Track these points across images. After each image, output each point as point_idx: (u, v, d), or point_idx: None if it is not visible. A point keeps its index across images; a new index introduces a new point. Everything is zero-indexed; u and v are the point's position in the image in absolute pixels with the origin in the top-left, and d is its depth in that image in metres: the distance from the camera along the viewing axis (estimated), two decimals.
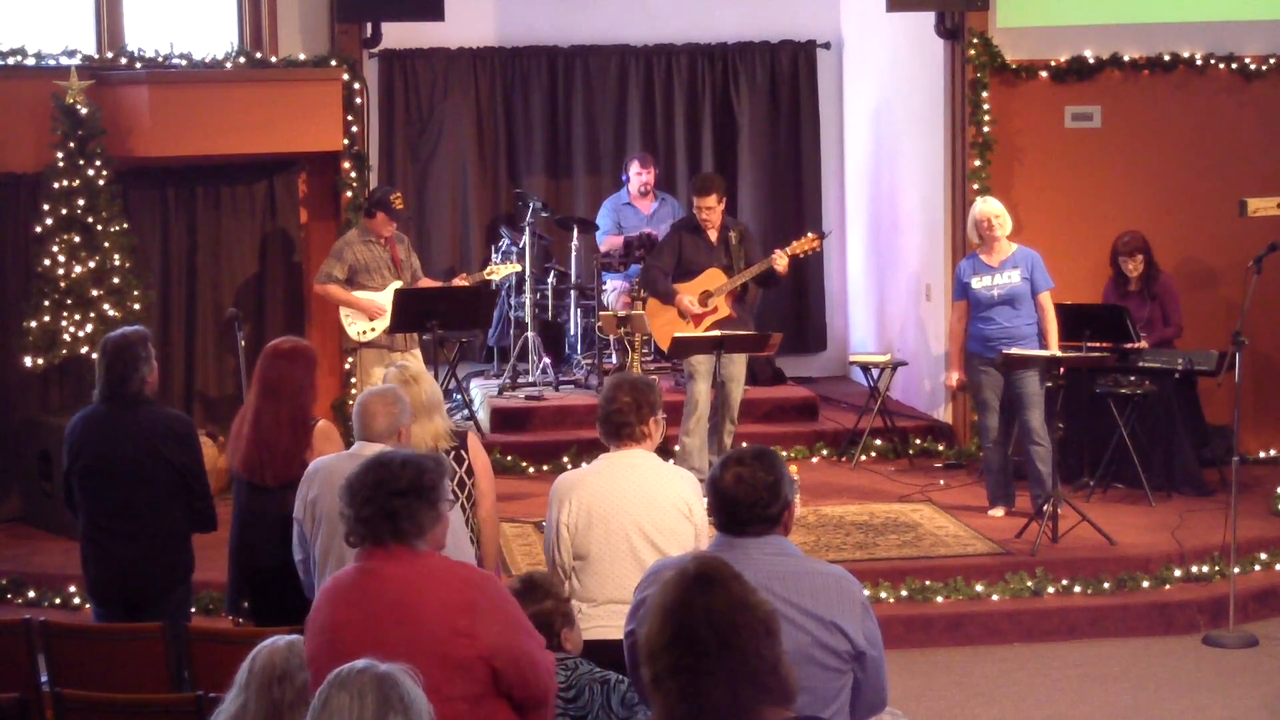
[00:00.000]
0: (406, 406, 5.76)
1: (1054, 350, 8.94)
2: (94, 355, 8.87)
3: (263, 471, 6.24)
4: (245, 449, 6.29)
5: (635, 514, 5.32)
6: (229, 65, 10.11)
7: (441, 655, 3.94)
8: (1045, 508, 8.69)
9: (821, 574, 3.97)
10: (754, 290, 9.93)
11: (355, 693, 3.09)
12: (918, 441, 10.94)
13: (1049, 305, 9.04)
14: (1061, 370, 8.79)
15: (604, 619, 5.23)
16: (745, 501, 3.95)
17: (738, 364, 9.56)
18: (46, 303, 9.22)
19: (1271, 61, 10.77)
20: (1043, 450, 8.85)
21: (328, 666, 3.25)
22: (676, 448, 9.65)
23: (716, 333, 9.27)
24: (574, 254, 11.79)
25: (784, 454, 10.61)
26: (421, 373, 6.24)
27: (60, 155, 9.28)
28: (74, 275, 9.21)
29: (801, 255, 9.76)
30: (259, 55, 10.26)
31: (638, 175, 11.75)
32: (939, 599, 8.24)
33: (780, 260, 9.47)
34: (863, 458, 10.69)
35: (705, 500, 5.83)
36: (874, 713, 4.01)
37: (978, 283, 9.05)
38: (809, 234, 9.90)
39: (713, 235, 9.60)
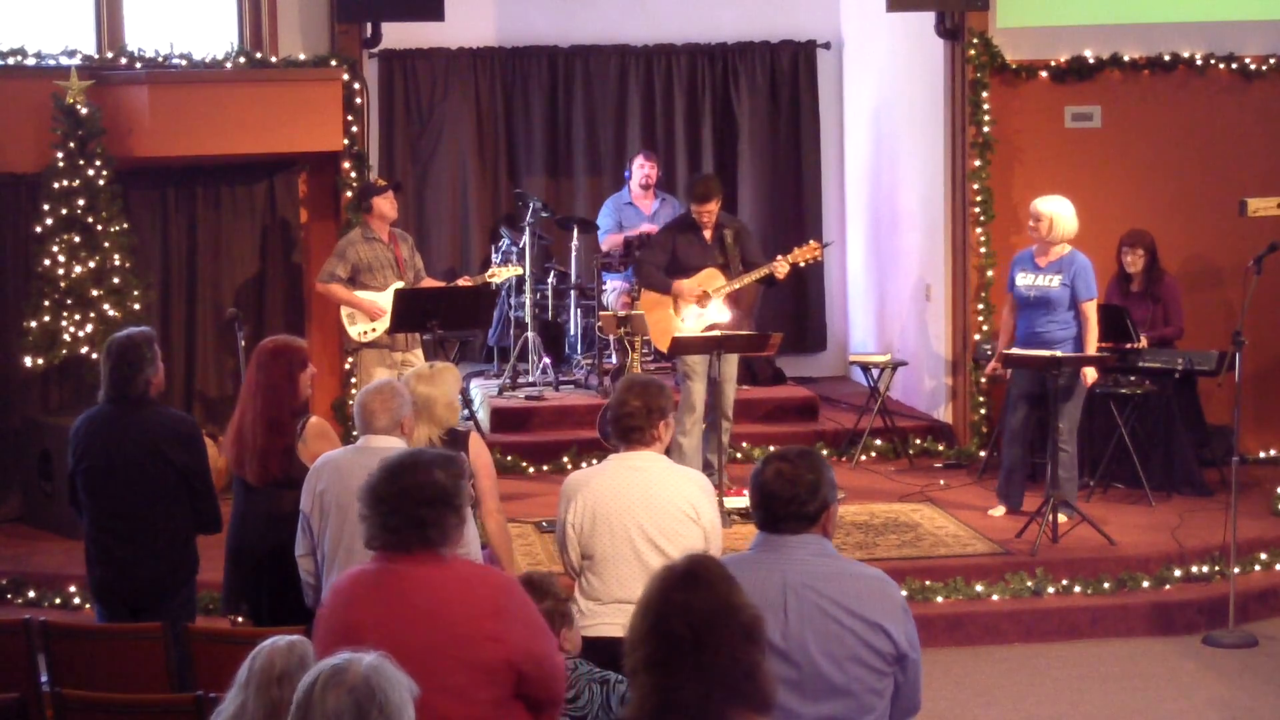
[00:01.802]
0: (406, 400, 5.78)
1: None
2: (94, 355, 8.93)
3: (244, 469, 6.28)
4: (231, 446, 6.38)
5: (638, 516, 5.35)
6: (229, 65, 10.10)
7: (469, 659, 3.97)
8: (1045, 509, 8.69)
9: (864, 576, 3.99)
10: (754, 289, 9.91)
11: (331, 712, 3.05)
12: (918, 441, 10.94)
13: (1088, 314, 8.86)
14: (1092, 380, 8.76)
15: (611, 616, 5.30)
16: (783, 497, 3.95)
17: (730, 363, 9.54)
18: (46, 303, 9.22)
19: (1271, 61, 10.77)
20: (1064, 456, 8.81)
21: None
22: (671, 449, 9.65)
23: (716, 333, 9.26)
24: (574, 254, 11.80)
25: None
26: (435, 377, 6.25)
27: (60, 155, 9.28)
28: (74, 275, 9.20)
29: (803, 264, 9.71)
30: (259, 55, 10.26)
31: (640, 169, 11.74)
32: (939, 599, 8.24)
33: (781, 268, 9.44)
34: (863, 458, 10.69)
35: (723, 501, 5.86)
36: (908, 716, 4.03)
37: (1021, 279, 9.03)
38: (811, 241, 9.81)
39: (707, 234, 9.56)
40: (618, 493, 5.39)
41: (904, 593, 8.12)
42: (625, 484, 5.40)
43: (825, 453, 10.82)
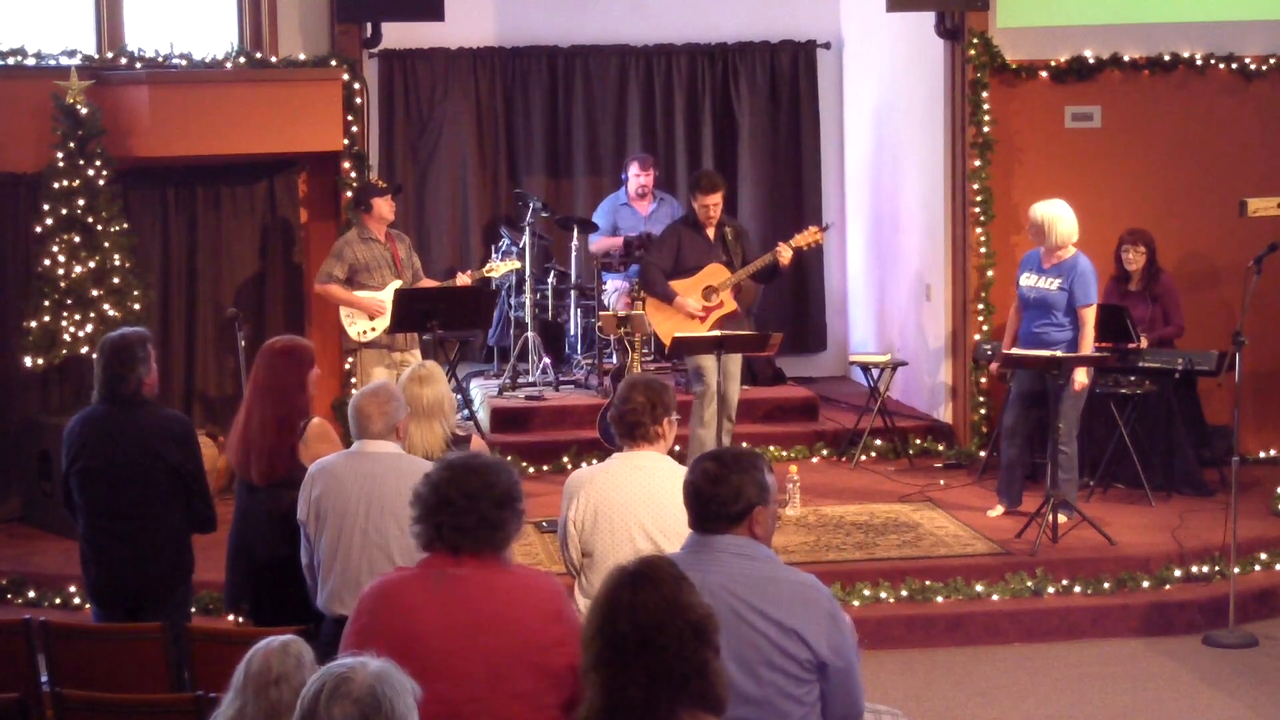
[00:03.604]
0: (401, 403, 5.76)
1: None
2: (94, 355, 8.92)
3: (249, 469, 6.26)
4: (235, 447, 6.34)
5: (640, 515, 5.36)
6: (229, 65, 10.11)
7: (543, 665, 3.96)
8: (1045, 509, 8.68)
9: (788, 581, 3.95)
10: (753, 289, 9.91)
11: None
12: (918, 441, 10.94)
13: (1085, 320, 8.84)
14: (1080, 386, 8.76)
15: None
16: (704, 496, 3.98)
17: (735, 362, 9.57)
18: (46, 303, 9.22)
19: (1271, 61, 10.77)
20: (1064, 456, 8.80)
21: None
22: (678, 446, 9.64)
23: (716, 332, 9.26)
24: (574, 254, 11.80)
25: (784, 454, 10.63)
26: (433, 376, 6.25)
27: (60, 155, 9.28)
28: (74, 275, 9.20)
29: (805, 248, 9.73)
30: (259, 55, 10.26)
31: (636, 177, 11.76)
32: (939, 599, 8.24)
33: (785, 253, 9.47)
34: (863, 458, 10.69)
35: None
36: None
37: (1024, 280, 9.03)
38: (811, 226, 9.87)
39: (710, 232, 9.59)
40: (620, 490, 5.40)
41: (904, 593, 8.20)
42: (628, 482, 5.41)
43: (825, 453, 10.84)
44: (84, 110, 9.29)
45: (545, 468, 10.47)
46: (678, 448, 9.41)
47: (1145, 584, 8.41)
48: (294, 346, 6.39)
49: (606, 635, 3.12)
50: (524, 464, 10.45)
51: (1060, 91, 10.75)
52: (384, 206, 9.63)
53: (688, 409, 9.56)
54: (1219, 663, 7.80)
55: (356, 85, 10.34)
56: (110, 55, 10.00)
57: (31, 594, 8.48)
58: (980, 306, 10.59)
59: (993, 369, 9.78)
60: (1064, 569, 8.46)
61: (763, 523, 4.00)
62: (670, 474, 5.46)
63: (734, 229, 9.70)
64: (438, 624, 3.97)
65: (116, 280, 9.31)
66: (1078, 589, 8.35)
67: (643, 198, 11.79)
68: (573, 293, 11.76)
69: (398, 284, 9.58)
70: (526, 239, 11.42)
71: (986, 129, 10.55)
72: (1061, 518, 8.79)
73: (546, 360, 11.51)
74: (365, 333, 9.58)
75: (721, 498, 3.95)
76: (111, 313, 9.20)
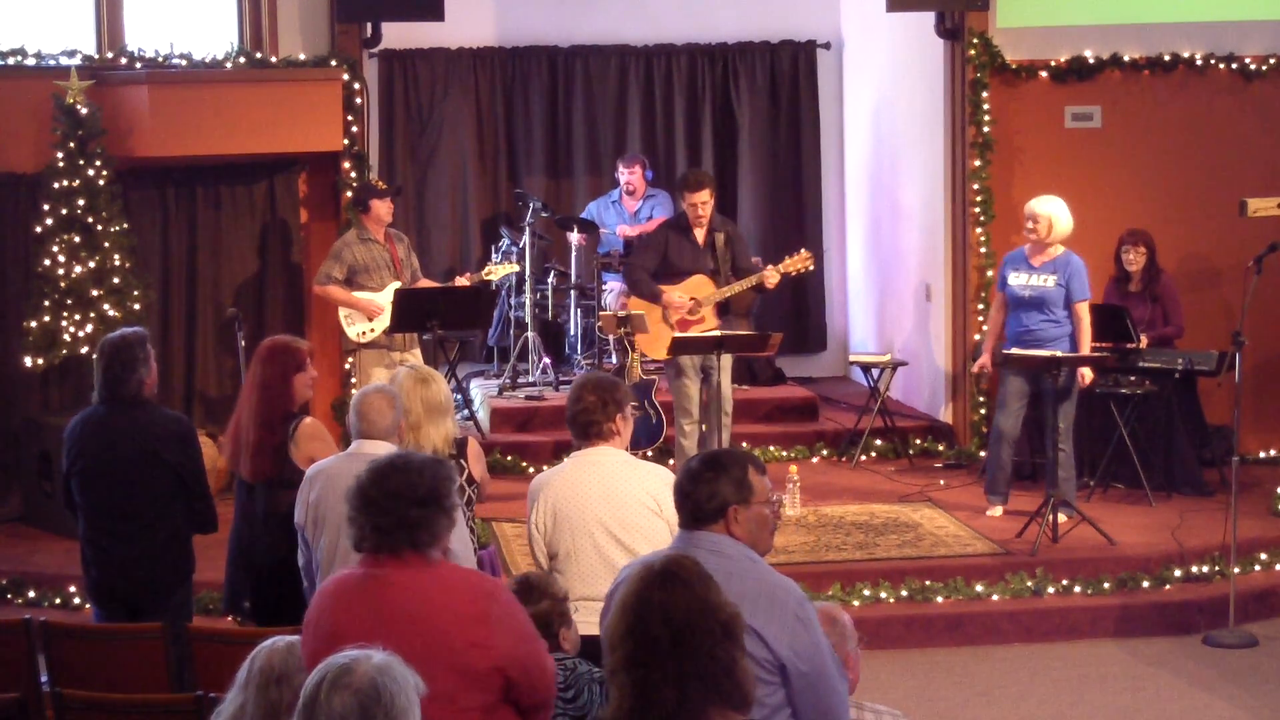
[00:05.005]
0: (400, 405, 5.77)
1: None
2: (94, 355, 8.92)
3: (239, 465, 6.34)
4: (228, 443, 6.43)
5: (599, 512, 5.37)
6: (229, 65, 10.11)
7: (458, 666, 3.94)
8: (1045, 509, 8.68)
9: (755, 579, 3.92)
10: (750, 294, 9.87)
11: (335, 714, 3.02)
12: (918, 441, 10.94)
13: (1083, 315, 8.89)
14: (1089, 380, 8.77)
15: (577, 616, 5.21)
16: (684, 494, 4.04)
17: (724, 361, 9.47)
18: (46, 303, 9.22)
19: (1271, 61, 10.77)
20: (1063, 456, 8.81)
21: None
22: (674, 452, 9.65)
23: (717, 332, 9.25)
24: (574, 254, 11.80)
25: (784, 454, 10.63)
26: (434, 376, 6.26)
27: (60, 155, 9.28)
28: (74, 275, 9.21)
29: (794, 274, 9.62)
30: (259, 55, 10.26)
31: (620, 174, 11.85)
32: (939, 599, 8.24)
33: (771, 278, 9.37)
34: (863, 458, 10.69)
35: None
36: None
37: (1014, 279, 9.03)
38: (803, 251, 9.70)
39: (700, 235, 9.50)
40: (576, 489, 5.41)
41: (904, 593, 8.19)
42: (583, 479, 5.43)
43: (825, 453, 10.84)
44: (84, 110, 9.29)
45: (545, 468, 10.44)
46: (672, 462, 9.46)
47: (1145, 584, 8.41)
48: (280, 346, 6.40)
49: (638, 636, 3.11)
50: (524, 464, 10.45)
51: (1060, 91, 10.75)
52: (381, 209, 9.62)
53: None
54: (1219, 663, 7.80)
55: (356, 85, 10.34)
56: (110, 55, 10.00)
57: (31, 594, 8.48)
58: (980, 306, 10.59)
59: (975, 368, 9.67)
60: (1064, 569, 8.46)
61: (742, 522, 4.00)
62: (623, 466, 5.45)
63: (726, 234, 9.53)
64: (355, 623, 3.98)
65: (116, 280, 9.32)
66: (1078, 589, 8.35)
67: (631, 194, 11.81)
68: (573, 293, 11.76)
69: (397, 284, 9.58)
70: (526, 239, 11.42)
71: (986, 129, 10.55)
72: (1061, 517, 8.79)
73: (546, 360, 11.52)
74: (365, 333, 9.58)
75: (698, 496, 4.00)
76: (111, 313, 9.20)
